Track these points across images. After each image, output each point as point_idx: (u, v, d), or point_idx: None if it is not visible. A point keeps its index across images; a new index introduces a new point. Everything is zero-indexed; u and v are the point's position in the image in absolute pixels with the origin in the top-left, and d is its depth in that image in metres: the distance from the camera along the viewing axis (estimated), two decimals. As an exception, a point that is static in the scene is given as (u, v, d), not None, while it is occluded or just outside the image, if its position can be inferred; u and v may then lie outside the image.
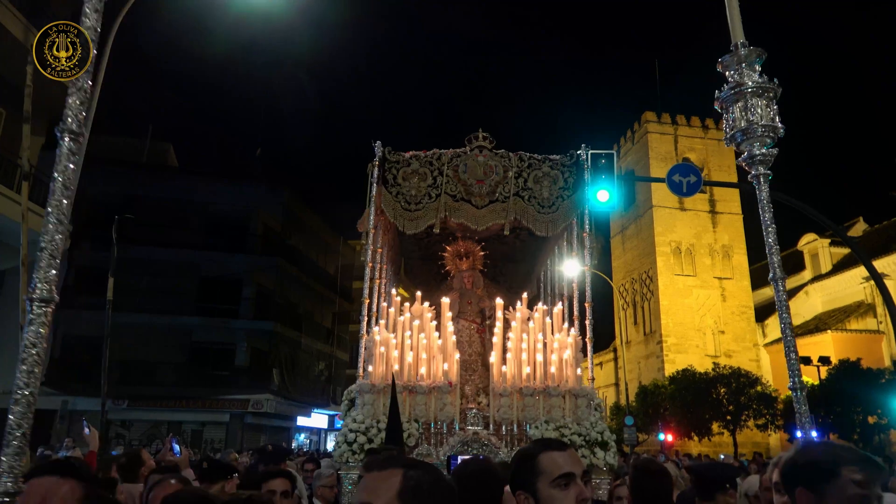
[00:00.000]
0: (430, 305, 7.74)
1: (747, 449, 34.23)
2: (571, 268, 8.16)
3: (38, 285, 1.79)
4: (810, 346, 37.28)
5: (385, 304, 7.71)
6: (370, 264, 7.52)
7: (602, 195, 11.74)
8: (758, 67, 2.96)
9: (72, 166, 1.88)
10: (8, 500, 1.60)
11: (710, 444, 36.30)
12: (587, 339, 7.43)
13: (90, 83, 2.04)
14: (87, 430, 6.70)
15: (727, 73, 3.01)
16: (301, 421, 34.88)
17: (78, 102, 1.97)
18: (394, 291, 8.24)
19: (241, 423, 30.18)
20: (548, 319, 7.50)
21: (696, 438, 36.31)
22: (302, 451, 25.30)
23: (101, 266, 16.92)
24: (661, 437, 36.46)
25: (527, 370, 7.06)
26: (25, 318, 1.89)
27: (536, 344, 7.24)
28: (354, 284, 38.63)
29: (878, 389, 26.52)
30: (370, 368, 7.02)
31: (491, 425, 6.90)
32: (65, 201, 1.85)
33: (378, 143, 7.66)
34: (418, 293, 7.87)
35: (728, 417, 34.85)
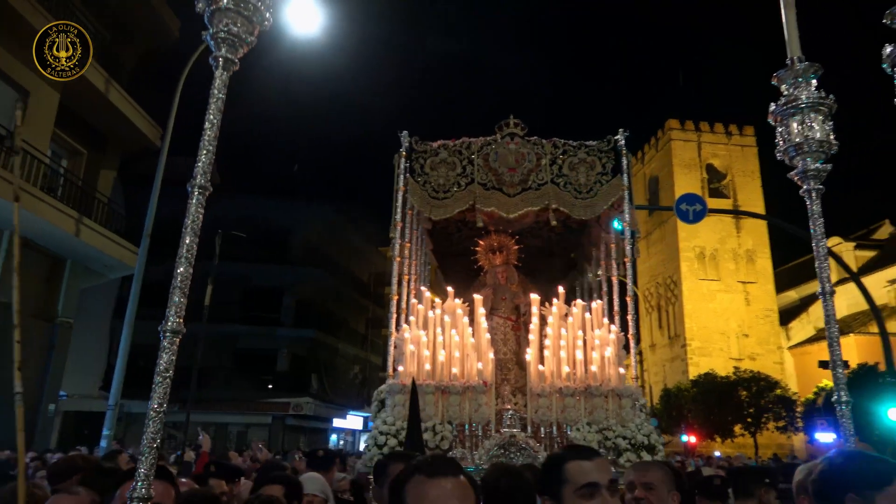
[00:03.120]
0: (463, 302, 6.95)
1: (771, 451, 33.06)
2: (610, 258, 7.31)
3: (171, 318, 1.91)
4: (834, 349, 35.67)
5: (415, 301, 6.93)
6: (398, 259, 6.75)
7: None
8: (814, 82, 2.82)
9: (200, 217, 2.05)
10: None
11: (732, 446, 35.31)
12: (629, 336, 6.57)
13: (215, 146, 2.14)
14: (201, 436, 7.57)
15: (782, 86, 2.86)
16: (337, 423, 34.79)
17: (207, 162, 2.09)
18: (424, 288, 7.43)
19: (282, 424, 30.24)
20: (587, 315, 6.65)
21: (718, 440, 35.42)
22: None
23: (152, 280, 16.98)
24: (685, 438, 35.44)
25: (566, 369, 6.23)
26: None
27: (576, 341, 6.40)
28: (386, 290, 38.29)
29: (896, 392, 25.26)
30: (400, 368, 6.26)
31: (529, 427, 6.08)
32: (195, 246, 2.02)
33: (405, 132, 6.93)
34: (450, 289, 7.06)
35: (749, 420, 34.21)
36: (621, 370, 6.28)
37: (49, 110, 15.05)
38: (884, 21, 2.32)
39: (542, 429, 6.04)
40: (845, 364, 21.12)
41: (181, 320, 1.93)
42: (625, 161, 6.88)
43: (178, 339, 1.91)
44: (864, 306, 40.75)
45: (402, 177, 6.80)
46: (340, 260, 35.54)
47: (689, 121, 48.98)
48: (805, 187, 2.83)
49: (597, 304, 6.87)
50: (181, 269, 1.97)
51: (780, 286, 46.39)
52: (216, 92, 2.11)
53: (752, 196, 47.19)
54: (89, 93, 15.03)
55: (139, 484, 1.74)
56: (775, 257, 46.92)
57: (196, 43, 13.45)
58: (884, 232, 46.86)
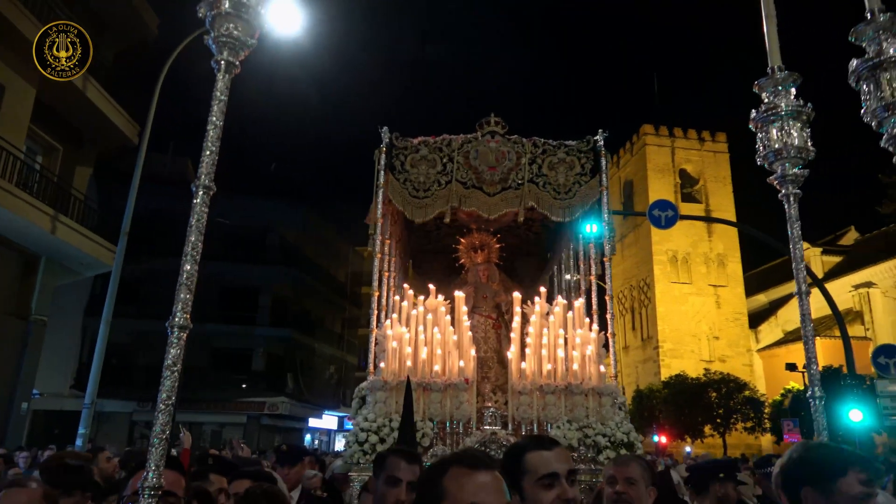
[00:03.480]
0: (445, 299, 6.90)
1: (740, 451, 33.47)
2: (589, 259, 7.30)
3: (178, 315, 1.95)
4: (800, 351, 36.21)
5: (397, 298, 6.86)
6: (378, 255, 6.67)
7: (588, 227, 11.20)
8: (793, 91, 2.90)
9: (205, 215, 2.07)
10: (154, 492, 1.76)
11: (702, 446, 35.79)
12: (609, 335, 6.57)
13: (218, 146, 2.17)
14: (181, 434, 7.61)
15: (763, 94, 2.94)
16: (313, 422, 34.57)
17: (211, 162, 2.11)
18: (406, 285, 7.36)
19: (257, 424, 30.11)
20: (569, 314, 6.63)
21: (689, 440, 35.77)
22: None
23: (127, 277, 16.82)
24: (656, 438, 35.81)
25: (547, 367, 6.21)
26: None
27: (557, 339, 6.38)
28: (363, 290, 38.15)
29: (861, 394, 25.74)
30: (382, 365, 6.19)
31: (510, 425, 6.05)
32: (200, 244, 2.05)
33: (385, 128, 6.85)
34: (431, 286, 7.00)
35: (718, 421, 34.61)
36: (602, 368, 6.28)
37: (25, 106, 14.77)
38: (849, 38, 2.37)
39: (523, 426, 6.01)
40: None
41: (188, 316, 1.97)
42: (603, 161, 6.87)
43: (185, 335, 1.96)
44: (829, 311, 41.40)
45: (381, 173, 6.72)
46: (317, 259, 35.29)
47: (663, 126, 49.49)
48: (783, 191, 2.93)
49: (579, 303, 6.87)
50: (187, 266, 2.03)
51: (750, 290, 47.04)
52: (219, 94, 2.14)
53: (723, 201, 47.84)
54: (66, 89, 14.69)
55: (150, 474, 1.77)
56: (745, 262, 47.65)
57: (175, 40, 13.28)
58: (849, 238, 47.82)
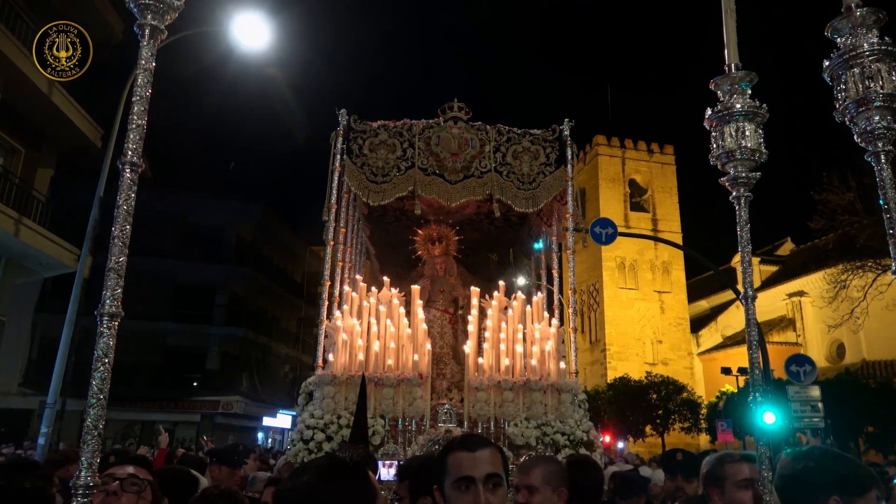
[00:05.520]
0: (399, 292, 6.36)
1: (678, 449, 33.76)
2: (550, 255, 6.88)
3: (108, 302, 1.75)
4: (738, 356, 36.92)
5: (349, 289, 6.29)
6: (331, 243, 6.10)
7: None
8: (748, 91, 2.70)
9: (133, 195, 1.86)
10: (87, 493, 1.59)
11: (643, 445, 36.09)
12: (570, 329, 6.12)
13: (145, 120, 1.87)
14: (159, 435, 7.29)
15: (718, 92, 2.73)
16: (267, 421, 33.66)
17: (137, 137, 1.85)
18: (359, 276, 6.80)
19: (211, 423, 29.11)
20: (527, 308, 6.17)
21: (631, 440, 36.07)
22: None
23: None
24: (600, 438, 35.96)
25: (505, 362, 5.72)
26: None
27: (515, 334, 5.90)
28: (319, 290, 37.39)
29: (779, 398, 26.33)
30: (331, 358, 5.61)
31: (465, 423, 5.53)
32: (128, 227, 1.86)
33: (343, 111, 6.27)
34: (386, 278, 6.45)
35: (658, 421, 34.91)
36: (561, 365, 5.83)
37: (-14, 108, 13.97)
38: (825, 33, 2.21)
39: (480, 424, 5.51)
40: (743, 371, 21.85)
41: (119, 303, 1.76)
42: (570, 152, 6.45)
43: (116, 323, 1.75)
44: (766, 317, 42.34)
45: (338, 157, 6.15)
46: (273, 259, 34.47)
47: (615, 137, 49.92)
48: (735, 193, 2.66)
49: (537, 297, 6.42)
50: (115, 250, 1.82)
51: (693, 296, 47.72)
52: (143, 63, 1.85)
53: (669, 211, 48.56)
54: (31, 92, 14.17)
55: (82, 472, 1.58)
56: (688, 269, 48.30)
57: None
58: (786, 249, 48.92)
